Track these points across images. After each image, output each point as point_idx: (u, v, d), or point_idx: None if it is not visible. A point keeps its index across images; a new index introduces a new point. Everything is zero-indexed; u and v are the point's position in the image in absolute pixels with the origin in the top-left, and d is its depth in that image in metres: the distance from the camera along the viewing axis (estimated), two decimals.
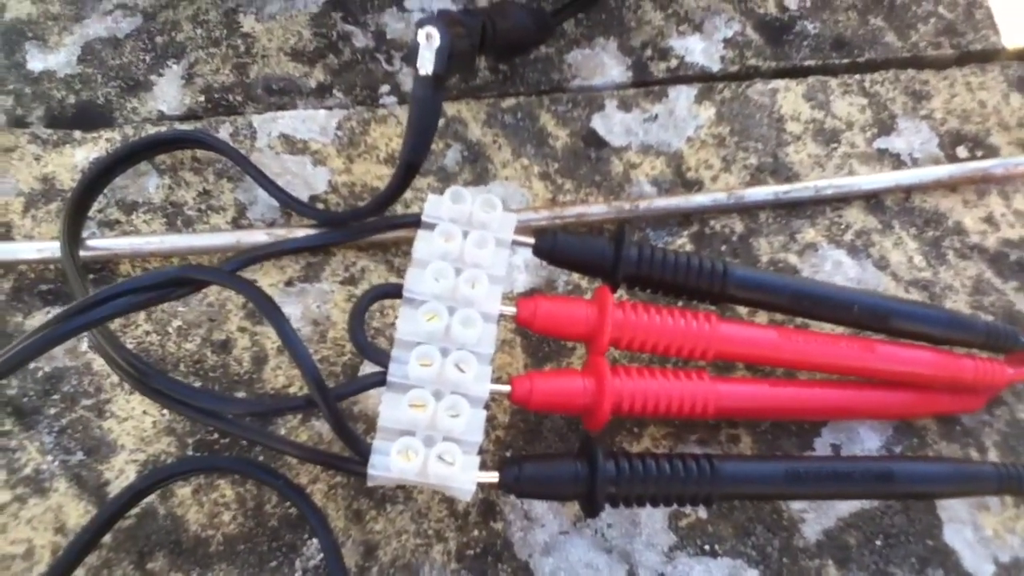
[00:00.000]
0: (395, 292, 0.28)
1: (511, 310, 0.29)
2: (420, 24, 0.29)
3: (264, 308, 0.26)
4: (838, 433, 0.33)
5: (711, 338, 0.30)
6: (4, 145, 0.37)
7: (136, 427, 0.32)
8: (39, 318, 0.33)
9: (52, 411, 0.32)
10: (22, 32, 0.40)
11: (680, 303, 0.34)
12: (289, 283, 0.35)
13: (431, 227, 0.28)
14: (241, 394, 0.33)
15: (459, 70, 0.36)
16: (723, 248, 0.37)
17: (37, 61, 0.40)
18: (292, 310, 0.34)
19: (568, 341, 0.34)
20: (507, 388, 0.28)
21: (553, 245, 0.30)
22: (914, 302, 0.35)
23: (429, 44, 0.29)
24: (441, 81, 0.30)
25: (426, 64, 0.29)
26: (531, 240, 0.30)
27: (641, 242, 0.32)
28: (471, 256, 0.28)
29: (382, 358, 0.27)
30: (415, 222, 0.29)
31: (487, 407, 0.27)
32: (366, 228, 0.33)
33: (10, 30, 0.40)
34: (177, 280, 0.27)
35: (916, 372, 0.32)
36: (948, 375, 0.32)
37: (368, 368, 0.33)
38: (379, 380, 0.26)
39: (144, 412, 0.32)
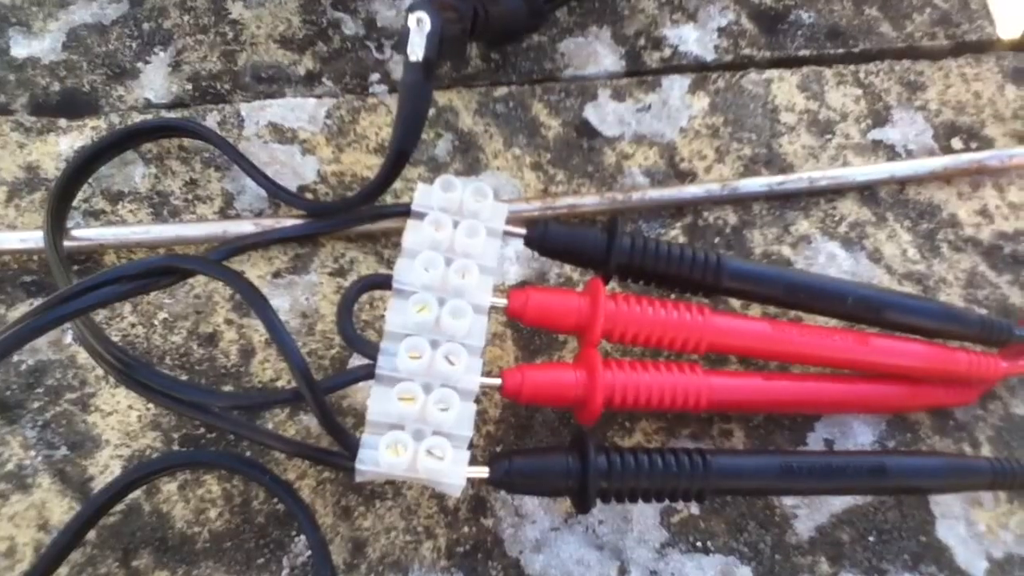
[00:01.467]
0: (384, 283, 0.27)
1: (502, 302, 0.28)
2: (411, 9, 0.29)
3: (251, 299, 0.25)
4: (831, 428, 0.33)
5: (704, 330, 0.30)
6: None
7: (121, 421, 0.31)
8: (22, 309, 0.33)
9: (35, 405, 0.31)
10: (5, 18, 0.40)
11: (673, 295, 0.34)
12: (277, 275, 0.34)
13: (421, 216, 0.28)
14: (228, 388, 0.32)
15: (450, 56, 0.35)
16: (716, 240, 0.37)
17: (21, 47, 0.39)
18: (280, 302, 0.34)
19: (560, 334, 0.34)
20: (498, 381, 0.28)
21: (544, 235, 0.29)
22: (908, 295, 0.35)
23: (420, 29, 0.29)
24: (432, 67, 0.29)
25: (416, 50, 0.29)
26: (522, 230, 0.29)
27: (634, 232, 0.32)
28: (462, 246, 0.28)
29: (371, 350, 0.26)
30: (405, 211, 0.29)
31: (477, 401, 0.26)
32: (355, 218, 0.33)
33: None
34: (162, 269, 0.26)
35: (910, 365, 0.32)
36: (942, 368, 0.32)
37: (357, 361, 0.32)
38: (368, 373, 0.26)
39: (129, 406, 0.32)
